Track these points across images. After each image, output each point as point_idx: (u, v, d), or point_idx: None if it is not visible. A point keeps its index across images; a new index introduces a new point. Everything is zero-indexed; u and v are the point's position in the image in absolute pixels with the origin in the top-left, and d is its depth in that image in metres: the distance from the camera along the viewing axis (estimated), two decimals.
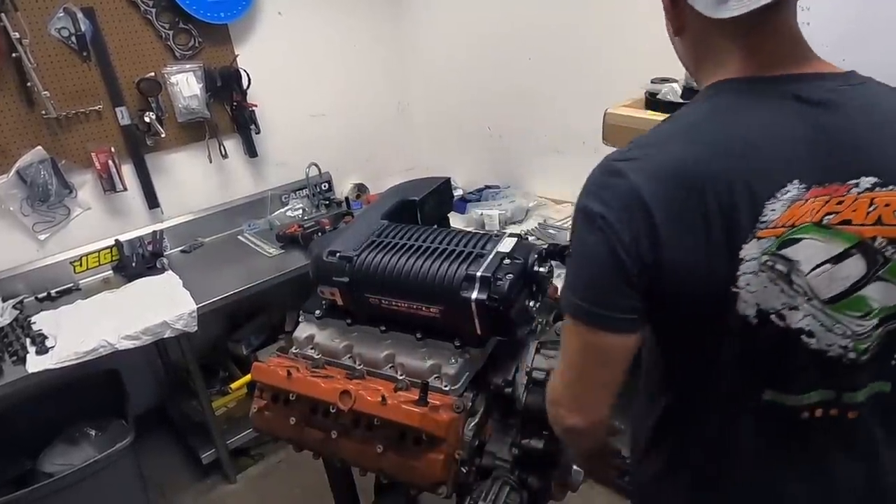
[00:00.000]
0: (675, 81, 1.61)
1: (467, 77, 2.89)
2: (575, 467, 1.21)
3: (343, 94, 2.92)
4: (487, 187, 2.85)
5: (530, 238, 2.30)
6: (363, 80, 2.98)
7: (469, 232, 1.15)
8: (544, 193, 2.75)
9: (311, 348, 1.22)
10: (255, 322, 2.58)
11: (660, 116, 1.53)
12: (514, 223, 2.52)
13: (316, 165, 2.73)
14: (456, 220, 2.60)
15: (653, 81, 1.63)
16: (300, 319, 1.27)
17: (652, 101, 1.57)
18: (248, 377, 1.21)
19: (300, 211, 2.69)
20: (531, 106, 2.68)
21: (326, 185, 2.84)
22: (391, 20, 2.99)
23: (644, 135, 0.74)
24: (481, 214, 2.52)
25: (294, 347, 1.25)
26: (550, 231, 2.36)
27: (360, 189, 2.94)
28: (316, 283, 1.19)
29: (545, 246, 2.26)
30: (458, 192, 2.95)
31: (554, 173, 2.72)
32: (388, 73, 3.07)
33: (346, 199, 2.84)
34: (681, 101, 1.54)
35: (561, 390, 0.80)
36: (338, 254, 1.15)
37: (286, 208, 2.72)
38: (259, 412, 1.18)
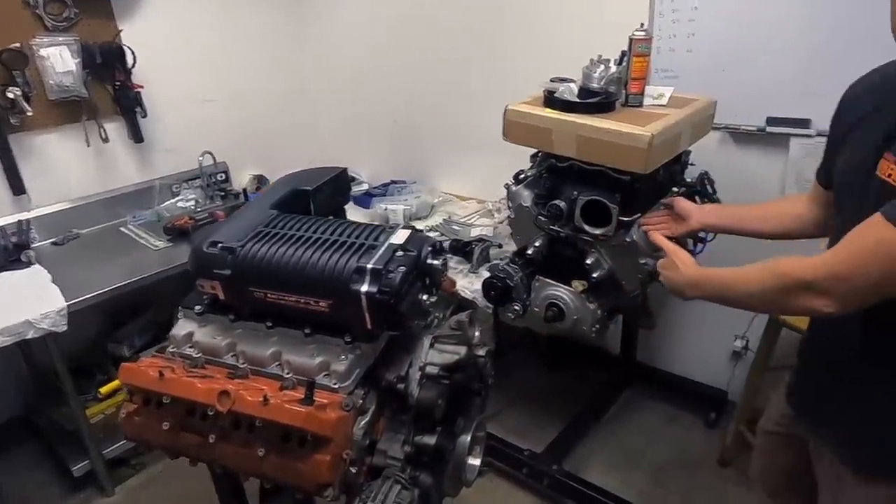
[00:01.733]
0: (573, 81, 1.65)
1: (373, 69, 2.84)
2: (470, 461, 1.20)
3: (242, 80, 2.77)
4: (393, 182, 2.82)
5: (433, 234, 2.29)
6: (263, 66, 2.85)
7: (362, 224, 1.11)
8: (450, 189, 2.75)
9: (190, 347, 1.13)
10: (140, 321, 2.39)
11: (556, 114, 1.56)
12: (418, 219, 2.51)
13: (210, 154, 2.57)
14: (360, 215, 2.55)
15: (552, 80, 1.66)
16: (179, 316, 1.18)
17: (550, 100, 1.60)
18: (118, 381, 1.10)
19: (192, 202, 2.53)
20: (438, 101, 2.67)
21: (223, 175, 2.69)
22: (292, 5, 2.87)
23: None
24: (386, 209, 2.48)
25: (171, 346, 1.16)
26: (455, 227, 2.36)
27: (260, 181, 2.81)
28: (196, 277, 1.10)
29: (441, 239, 2.26)
30: (363, 187, 2.90)
31: (460, 169, 2.73)
32: (290, 62, 2.95)
33: (244, 190, 2.71)
34: (576, 100, 1.58)
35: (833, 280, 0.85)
36: (220, 244, 1.07)
37: (177, 199, 2.55)
38: (129, 418, 1.08)
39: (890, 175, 0.86)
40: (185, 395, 1.00)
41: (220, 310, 1.13)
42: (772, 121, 1.86)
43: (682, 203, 1.51)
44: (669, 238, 1.43)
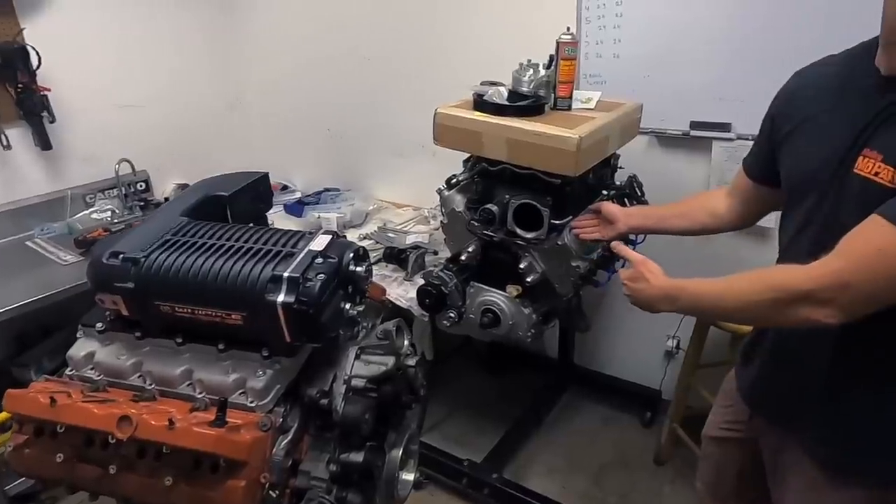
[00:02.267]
0: (503, 85, 1.64)
1: (306, 74, 2.76)
2: (402, 477, 1.15)
3: (164, 84, 2.63)
4: (327, 190, 2.74)
5: (367, 242, 2.24)
6: (189, 70, 2.72)
7: (279, 230, 1.04)
8: (385, 197, 2.71)
9: (91, 368, 1.03)
10: (49, 342, 2.21)
11: (486, 117, 1.55)
12: (353, 227, 2.45)
13: (129, 162, 2.42)
14: (292, 224, 2.46)
15: (481, 84, 1.65)
16: (78, 335, 1.07)
17: (479, 103, 1.58)
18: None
19: (108, 213, 2.37)
20: (371, 108, 2.63)
21: (143, 184, 2.54)
22: (221, 8, 2.76)
23: None
24: (318, 217, 2.41)
25: (70, 368, 1.05)
26: (390, 235, 2.31)
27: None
28: (95, 291, 1.01)
29: (376, 247, 2.21)
30: (296, 195, 2.81)
31: (394, 176, 2.69)
32: (218, 66, 2.83)
33: (167, 200, 2.56)
34: (506, 103, 1.56)
35: (837, 288, 0.81)
36: (121, 255, 0.98)
37: (91, 210, 2.38)
38: (17, 450, 0.97)
39: (877, 174, 0.83)
40: (82, 422, 0.90)
41: (126, 327, 1.04)
42: (695, 125, 1.92)
43: (609, 207, 1.53)
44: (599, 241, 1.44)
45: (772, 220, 1.83)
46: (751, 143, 1.83)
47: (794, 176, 1.03)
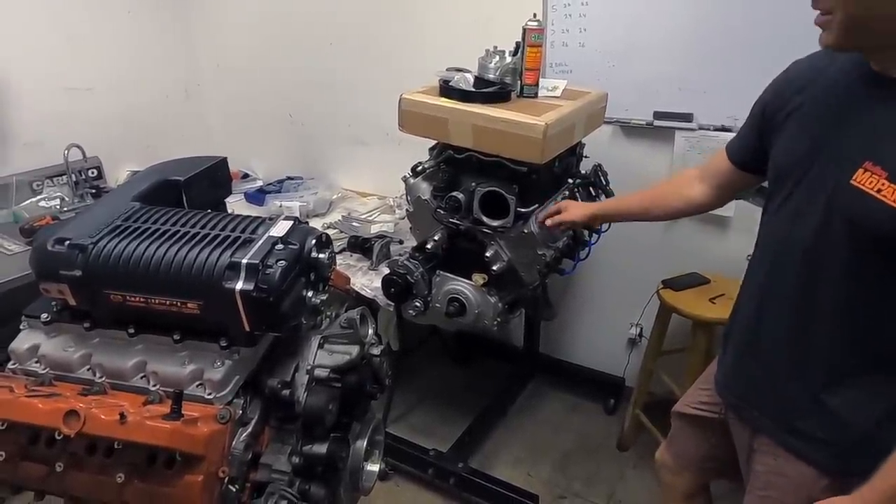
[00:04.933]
0: (469, 72, 1.62)
1: (266, 60, 2.69)
2: (367, 468, 1.13)
3: (115, 67, 2.52)
4: (289, 178, 2.68)
5: (331, 231, 2.20)
6: (142, 52, 2.61)
7: (238, 216, 1.01)
8: (349, 185, 2.66)
9: (36, 362, 0.98)
10: None
11: (452, 104, 1.53)
12: (316, 216, 2.40)
13: (79, 147, 2.31)
14: (253, 213, 2.39)
15: (447, 70, 1.63)
16: (21, 327, 1.01)
17: (445, 89, 1.56)
18: None
19: (57, 200, 2.26)
20: (334, 94, 2.57)
21: (95, 171, 2.43)
22: None
23: None
24: (280, 206, 2.35)
25: (12, 362, 0.99)
26: (354, 224, 2.27)
27: None
28: (40, 280, 0.95)
29: (340, 236, 2.17)
30: (257, 183, 2.74)
31: (358, 165, 2.65)
32: (174, 49, 2.73)
33: None
34: (472, 89, 1.55)
35: None
36: (67, 241, 0.93)
37: (39, 198, 2.27)
38: None
39: (880, 191, 0.82)
40: (25, 418, 0.85)
41: (73, 317, 0.98)
42: (658, 115, 1.94)
43: (566, 202, 1.54)
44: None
45: (731, 209, 1.88)
46: (712, 133, 1.89)
47: (781, 165, 1.01)
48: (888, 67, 0.85)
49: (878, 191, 0.82)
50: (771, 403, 1.05)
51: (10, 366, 0.99)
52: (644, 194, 1.41)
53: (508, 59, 1.61)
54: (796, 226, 0.95)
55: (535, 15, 1.63)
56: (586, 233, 1.77)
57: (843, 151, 0.88)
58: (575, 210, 1.51)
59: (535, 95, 1.66)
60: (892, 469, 0.82)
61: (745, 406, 1.12)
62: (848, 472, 0.93)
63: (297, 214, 2.31)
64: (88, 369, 0.96)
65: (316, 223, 2.32)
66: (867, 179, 0.83)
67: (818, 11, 0.84)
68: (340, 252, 2.08)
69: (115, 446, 0.85)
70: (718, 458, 1.26)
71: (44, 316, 0.99)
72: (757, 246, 1.09)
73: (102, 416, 0.83)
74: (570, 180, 1.76)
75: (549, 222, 1.53)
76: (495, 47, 1.62)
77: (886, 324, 0.90)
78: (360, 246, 2.06)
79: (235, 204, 2.48)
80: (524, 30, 1.60)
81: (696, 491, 1.38)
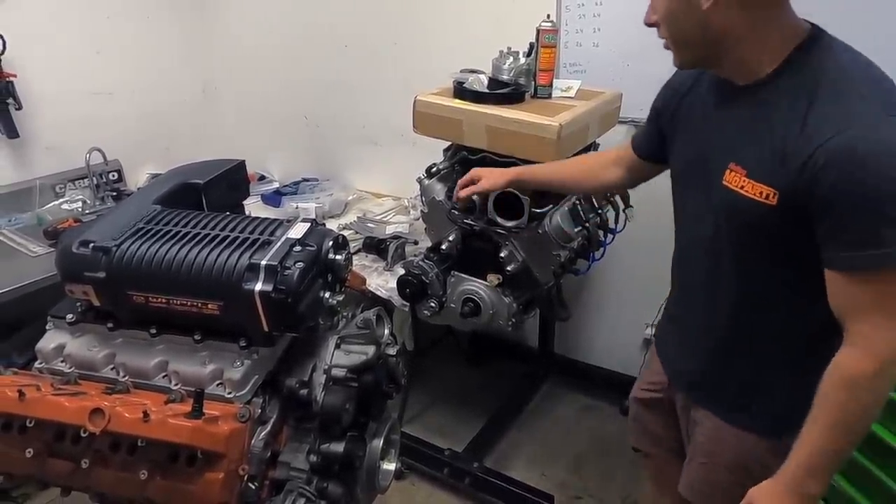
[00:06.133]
0: (483, 73, 1.63)
1: (282, 62, 2.71)
2: (384, 467, 1.14)
3: (135, 71, 2.56)
4: (305, 180, 2.70)
5: (347, 232, 2.22)
6: (161, 57, 2.65)
7: (256, 218, 1.03)
8: (364, 187, 2.68)
9: (62, 361, 1.01)
10: (19, 336, 2.14)
11: (466, 105, 1.54)
12: (332, 217, 2.42)
13: (100, 151, 2.35)
14: (270, 214, 2.41)
15: (461, 71, 1.64)
16: (48, 327, 1.04)
17: (459, 90, 1.57)
18: None
19: (79, 203, 2.30)
20: (349, 96, 2.59)
21: (115, 174, 2.48)
22: None
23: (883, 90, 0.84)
24: (297, 208, 2.37)
25: (39, 361, 1.02)
26: (370, 225, 2.29)
27: None
28: (65, 282, 0.98)
29: (355, 237, 2.19)
30: (273, 185, 2.77)
31: (373, 166, 2.66)
32: (192, 52, 2.76)
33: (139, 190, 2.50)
34: (486, 90, 1.55)
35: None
36: (92, 244, 0.95)
37: (61, 200, 2.31)
38: None
39: (742, 187, 0.91)
40: (52, 416, 0.88)
41: (97, 318, 1.01)
42: None
43: (479, 171, 1.45)
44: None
45: None
46: None
47: (676, 170, 1.12)
48: (731, 76, 0.95)
49: (741, 188, 0.92)
50: (702, 378, 1.13)
51: (36, 365, 1.02)
52: (565, 169, 1.40)
53: (522, 60, 1.61)
54: (698, 224, 1.04)
55: (548, 16, 1.63)
56: (601, 233, 1.77)
57: (716, 155, 0.97)
58: (491, 177, 1.43)
59: (549, 96, 1.66)
60: (804, 444, 0.90)
61: (682, 380, 1.19)
62: (784, 432, 0.97)
63: (313, 216, 2.33)
64: (112, 368, 0.99)
65: (331, 224, 2.33)
66: (733, 179, 0.93)
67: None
68: (356, 253, 2.10)
69: (139, 444, 0.87)
70: (672, 436, 1.31)
71: (69, 316, 1.01)
72: (676, 237, 1.17)
73: (126, 415, 0.85)
74: None
75: (462, 193, 1.46)
76: (509, 48, 1.63)
77: (780, 307, 0.99)
78: (376, 247, 2.08)
79: (252, 205, 2.51)
80: (538, 31, 1.60)
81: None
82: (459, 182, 1.48)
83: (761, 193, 0.89)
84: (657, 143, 1.17)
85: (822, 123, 0.82)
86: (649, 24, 0.97)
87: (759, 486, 0.95)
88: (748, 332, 1.04)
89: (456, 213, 1.62)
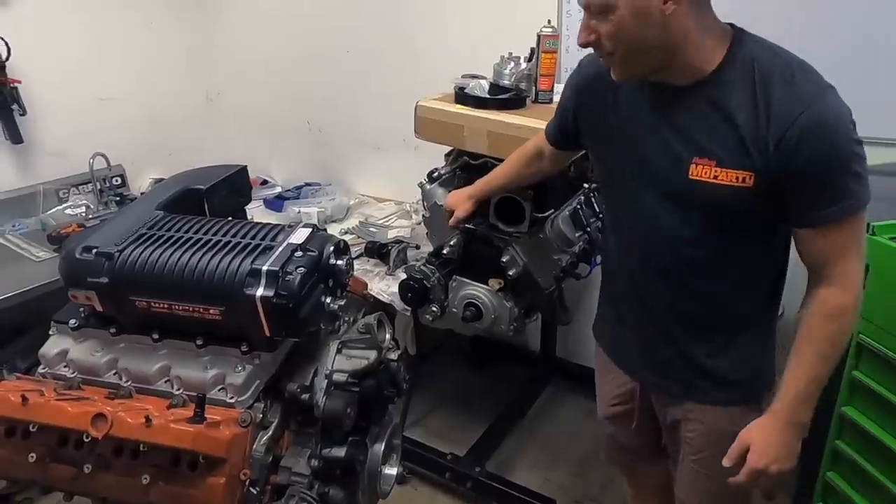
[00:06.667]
0: (484, 78, 1.64)
1: (284, 67, 2.73)
2: (385, 471, 1.14)
3: (138, 76, 2.58)
4: (307, 184, 2.71)
5: (348, 237, 2.22)
6: (164, 63, 2.67)
7: (258, 223, 1.03)
8: (366, 191, 2.69)
9: (65, 366, 1.01)
10: (22, 341, 2.15)
11: (467, 110, 1.54)
12: (334, 221, 2.43)
13: (104, 156, 2.37)
14: (272, 219, 2.43)
15: (463, 77, 1.64)
16: (51, 332, 1.05)
17: (461, 96, 1.58)
18: None
19: (83, 208, 2.31)
20: (351, 101, 2.60)
21: (119, 179, 2.49)
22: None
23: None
24: (299, 212, 2.38)
25: (42, 366, 1.03)
26: (371, 229, 2.29)
27: None
28: (68, 287, 0.98)
29: (357, 242, 2.20)
30: (275, 190, 2.78)
31: (375, 171, 2.67)
32: (194, 58, 2.78)
33: (143, 195, 2.51)
34: (488, 96, 1.56)
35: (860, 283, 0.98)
36: (94, 249, 0.96)
37: (65, 205, 2.32)
38: None
39: (717, 177, 0.96)
40: (55, 420, 0.88)
41: (100, 323, 1.02)
42: None
43: (448, 202, 1.56)
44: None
45: None
46: None
47: (611, 168, 1.14)
48: (670, 79, 0.98)
49: (715, 177, 0.96)
50: (674, 369, 1.15)
51: (39, 370, 1.03)
52: (508, 171, 1.44)
53: (523, 65, 1.62)
54: (655, 218, 1.06)
55: (549, 21, 1.64)
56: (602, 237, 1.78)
57: (670, 152, 1.00)
58: (461, 204, 1.52)
59: (551, 101, 1.67)
60: (794, 377, 1.00)
61: (653, 380, 1.20)
62: (762, 393, 1.12)
63: (315, 220, 2.34)
64: (115, 373, 0.99)
65: (333, 229, 2.35)
66: (702, 171, 0.97)
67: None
68: (357, 257, 2.10)
69: (141, 449, 0.87)
70: (645, 443, 1.35)
71: (72, 322, 1.02)
72: (613, 232, 1.20)
73: (129, 420, 0.85)
74: (586, 185, 1.75)
75: (450, 223, 1.56)
76: (510, 54, 1.64)
77: (746, 276, 1.07)
78: (377, 251, 2.08)
79: (254, 210, 2.52)
80: (539, 36, 1.61)
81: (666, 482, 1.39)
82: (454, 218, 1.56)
83: (738, 178, 0.95)
84: (573, 136, 1.22)
85: (786, 104, 0.90)
86: (585, 45, 0.98)
87: (749, 427, 1.03)
88: (715, 308, 1.09)
89: None
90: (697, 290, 1.09)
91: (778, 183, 0.93)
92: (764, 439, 1.01)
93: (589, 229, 1.64)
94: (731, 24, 0.99)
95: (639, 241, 1.13)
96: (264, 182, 2.86)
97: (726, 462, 1.04)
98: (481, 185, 1.50)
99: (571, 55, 2.01)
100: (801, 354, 1.00)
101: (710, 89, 0.96)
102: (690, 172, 0.98)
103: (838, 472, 1.54)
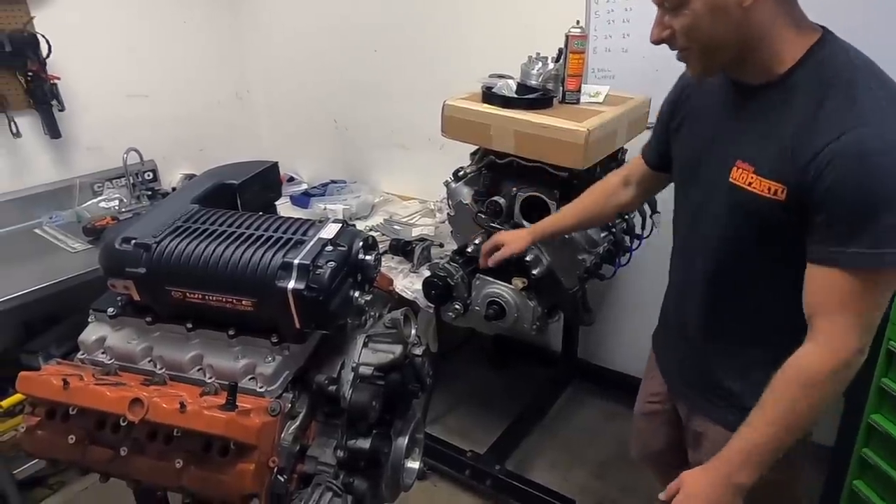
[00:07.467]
0: (511, 78, 1.65)
1: (312, 66, 2.77)
2: (408, 465, 1.16)
3: (171, 74, 2.64)
4: (333, 182, 2.75)
5: (373, 234, 2.24)
6: (196, 61, 2.73)
7: (289, 218, 1.05)
8: (390, 189, 2.71)
9: (102, 353, 1.04)
10: (58, 329, 2.23)
11: (494, 109, 1.55)
12: (359, 219, 2.46)
13: (137, 151, 2.43)
14: (298, 215, 2.46)
15: (490, 76, 1.65)
16: (90, 319, 1.08)
17: (488, 95, 1.59)
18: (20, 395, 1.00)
19: (116, 202, 2.38)
20: (378, 100, 2.63)
21: (151, 174, 2.55)
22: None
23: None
24: (325, 209, 2.42)
25: (81, 353, 1.06)
26: (396, 227, 2.32)
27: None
28: (107, 276, 1.02)
29: (381, 239, 2.22)
30: (302, 187, 2.82)
31: (400, 169, 2.69)
32: (225, 56, 2.84)
33: (174, 189, 2.57)
34: (515, 95, 1.57)
35: (866, 340, 0.86)
36: (133, 241, 0.99)
37: (99, 199, 2.39)
38: (30, 432, 0.98)
39: (750, 184, 0.93)
40: (94, 404, 0.91)
41: (137, 312, 1.05)
42: None
43: (501, 237, 1.51)
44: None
45: None
46: None
47: (680, 166, 1.12)
48: (743, 76, 0.96)
49: (749, 184, 0.93)
50: (698, 383, 1.13)
51: (79, 356, 1.06)
52: (577, 209, 1.40)
53: (551, 65, 1.62)
54: (699, 221, 1.05)
55: (577, 22, 1.64)
56: (627, 238, 1.77)
57: (722, 152, 0.98)
58: (514, 244, 1.47)
59: (578, 101, 1.67)
60: (744, 435, 0.92)
61: (679, 388, 1.20)
62: None
63: (340, 217, 2.37)
64: (150, 361, 1.02)
65: (358, 226, 2.37)
66: (740, 176, 0.94)
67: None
68: (382, 254, 2.12)
69: (175, 434, 0.90)
70: (674, 452, 1.31)
71: (110, 310, 1.05)
72: (674, 237, 1.18)
73: (164, 405, 0.88)
74: None
75: (491, 261, 1.50)
76: (538, 54, 1.64)
77: (778, 301, 0.99)
78: (402, 249, 2.11)
79: (281, 206, 2.54)
80: (567, 36, 1.61)
81: None
82: (484, 248, 1.52)
83: (769, 189, 0.90)
84: (666, 151, 1.18)
85: (832, 121, 0.83)
86: (659, 42, 0.97)
87: (691, 470, 0.98)
88: (745, 325, 1.06)
89: (482, 216, 1.64)
90: (731, 305, 1.06)
91: (806, 203, 0.86)
92: (694, 488, 0.94)
93: (614, 230, 1.65)
94: (823, 27, 0.93)
95: (687, 242, 1.12)
96: (291, 179, 2.91)
97: (662, 496, 0.98)
98: (547, 226, 1.44)
99: (599, 56, 2.01)
100: (762, 412, 0.91)
101: (777, 93, 0.91)
102: (731, 175, 0.96)
103: (865, 481, 1.52)
